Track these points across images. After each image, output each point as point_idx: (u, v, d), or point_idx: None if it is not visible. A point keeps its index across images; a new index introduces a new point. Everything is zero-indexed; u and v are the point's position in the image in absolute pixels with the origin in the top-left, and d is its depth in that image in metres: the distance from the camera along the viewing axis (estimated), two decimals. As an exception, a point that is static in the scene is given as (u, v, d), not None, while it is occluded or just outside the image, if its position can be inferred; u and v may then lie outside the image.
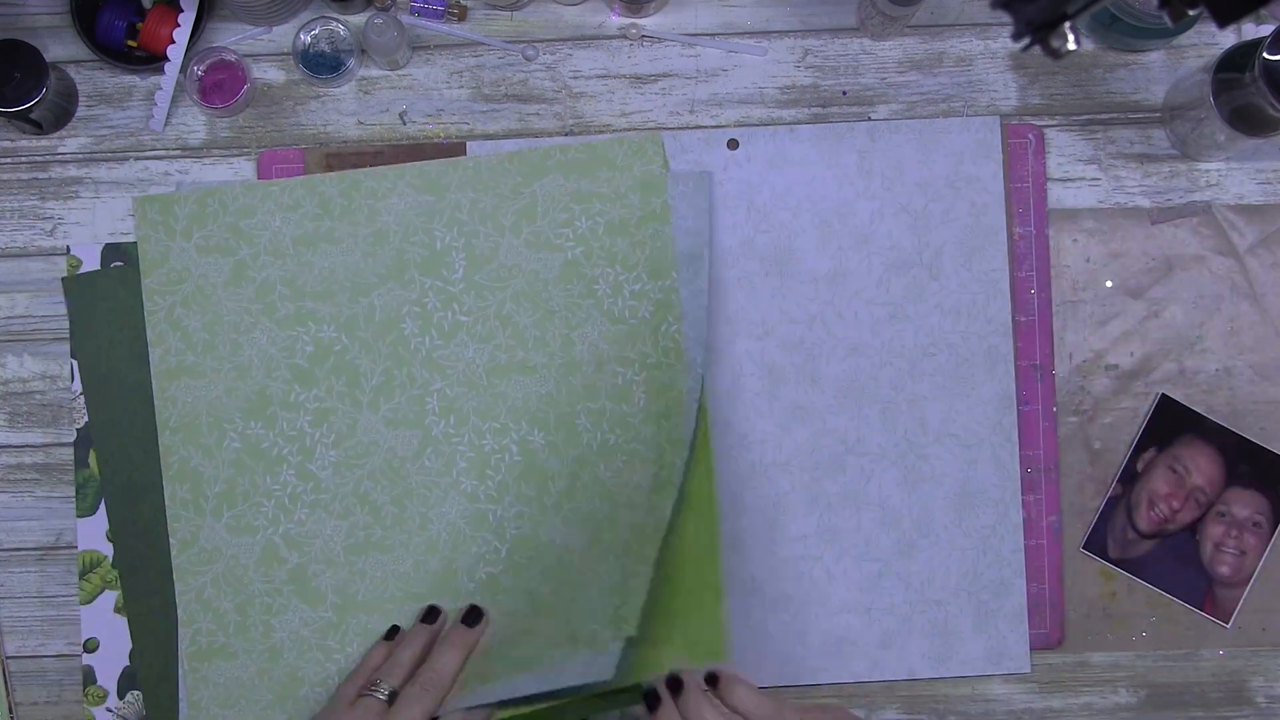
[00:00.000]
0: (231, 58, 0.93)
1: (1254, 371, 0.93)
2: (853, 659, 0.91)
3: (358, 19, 0.95)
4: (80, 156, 0.95)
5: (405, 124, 0.95)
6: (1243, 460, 0.91)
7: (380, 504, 0.90)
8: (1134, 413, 0.93)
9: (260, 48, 0.95)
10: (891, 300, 0.92)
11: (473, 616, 0.86)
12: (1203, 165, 0.94)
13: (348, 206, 0.91)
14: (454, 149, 0.93)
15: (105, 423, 0.92)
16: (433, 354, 0.90)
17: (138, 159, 0.95)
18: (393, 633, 0.87)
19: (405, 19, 0.94)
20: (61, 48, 0.95)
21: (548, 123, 0.94)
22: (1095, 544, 0.92)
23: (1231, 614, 0.91)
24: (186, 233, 0.91)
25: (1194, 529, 0.92)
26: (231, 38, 0.95)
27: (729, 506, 0.91)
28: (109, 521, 0.92)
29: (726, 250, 0.93)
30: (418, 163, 0.91)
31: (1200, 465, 0.92)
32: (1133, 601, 0.92)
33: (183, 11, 0.92)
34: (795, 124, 0.94)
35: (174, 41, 0.92)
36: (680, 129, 0.94)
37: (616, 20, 0.95)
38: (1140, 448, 0.92)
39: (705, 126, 0.94)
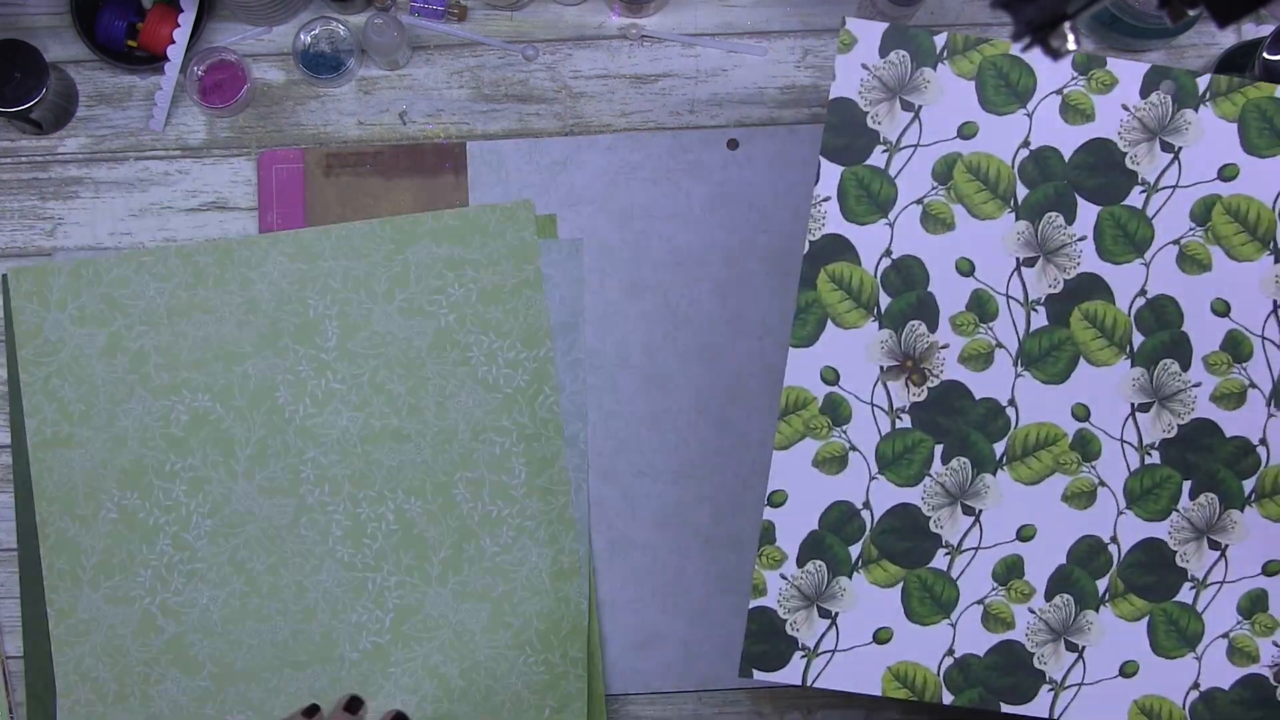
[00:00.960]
0: (231, 58, 0.93)
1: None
2: (853, 659, 0.91)
3: (358, 19, 0.95)
4: (80, 156, 0.95)
5: (405, 124, 0.95)
6: None
7: (256, 572, 0.90)
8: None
9: (260, 48, 0.95)
10: (892, 300, 0.92)
11: (354, 705, 0.87)
12: (1203, 165, 0.94)
13: (220, 275, 0.91)
14: (454, 149, 0.93)
15: (21, 424, 0.91)
16: (306, 422, 0.90)
17: (138, 159, 0.95)
18: None
19: (405, 19, 0.94)
20: (61, 48, 0.95)
21: (548, 123, 0.95)
22: None
23: None
24: (61, 304, 0.91)
25: None
26: (231, 38, 0.95)
27: (730, 506, 0.91)
28: (17, 523, 0.91)
29: (727, 250, 0.93)
30: (292, 231, 0.91)
31: None
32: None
33: (183, 11, 0.92)
34: (795, 124, 0.94)
35: (174, 41, 0.92)
36: (680, 129, 0.94)
37: (616, 20, 0.95)
38: None
39: (705, 126, 0.94)
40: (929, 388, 0.77)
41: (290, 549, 0.90)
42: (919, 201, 0.77)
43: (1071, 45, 0.70)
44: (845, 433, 0.78)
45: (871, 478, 0.78)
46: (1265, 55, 0.82)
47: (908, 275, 0.77)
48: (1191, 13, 0.69)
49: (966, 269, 0.77)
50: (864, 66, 0.76)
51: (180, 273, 0.91)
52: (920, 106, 0.76)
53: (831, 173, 0.77)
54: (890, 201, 0.77)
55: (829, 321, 0.77)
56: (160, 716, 0.89)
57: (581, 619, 0.89)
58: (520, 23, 0.96)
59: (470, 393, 0.90)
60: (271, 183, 0.93)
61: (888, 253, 0.77)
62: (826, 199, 0.77)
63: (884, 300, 0.77)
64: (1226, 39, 0.94)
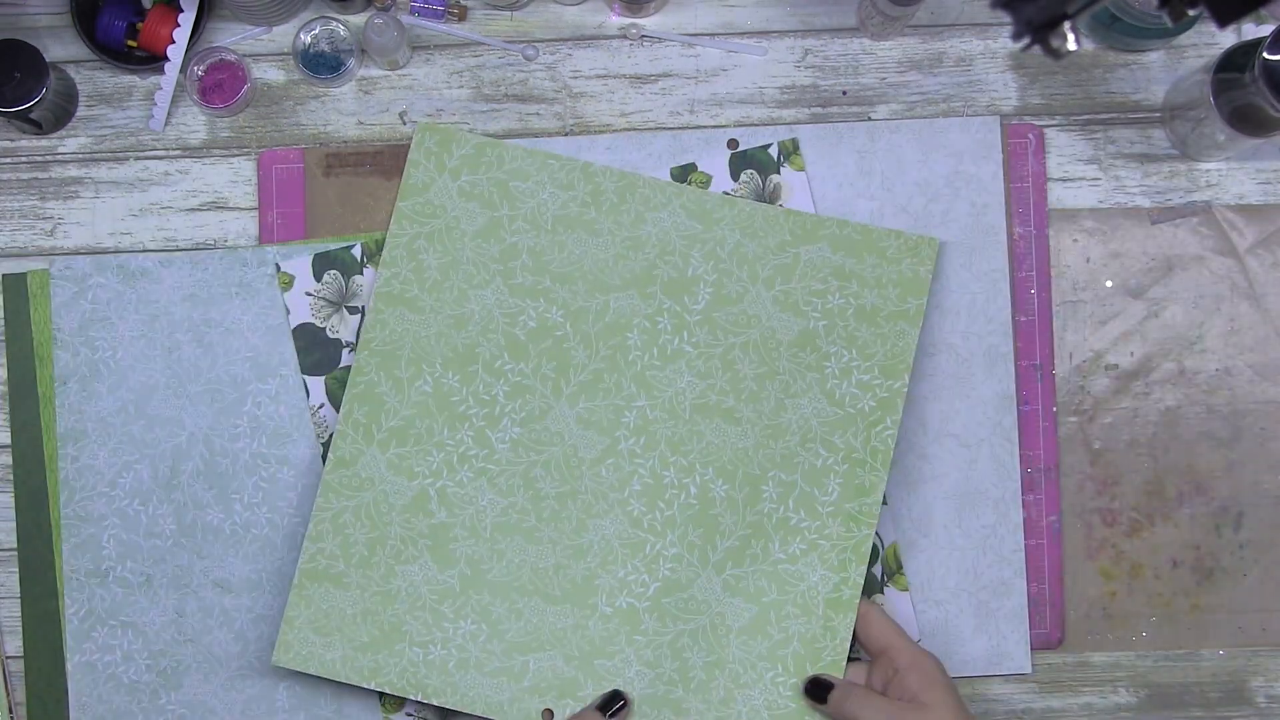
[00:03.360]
0: (231, 58, 0.93)
1: (1254, 371, 0.93)
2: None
3: (358, 19, 0.95)
4: (80, 156, 0.95)
5: (405, 124, 0.95)
6: None
7: (544, 495, 0.88)
8: (1134, 413, 0.93)
9: (260, 48, 0.95)
10: (892, 300, 0.92)
11: (611, 701, 0.85)
12: (1203, 165, 0.94)
13: (618, 205, 0.90)
14: (454, 149, 0.94)
15: (22, 424, 0.92)
16: (646, 372, 0.89)
17: (138, 159, 0.95)
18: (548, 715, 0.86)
19: (405, 19, 0.94)
20: (61, 48, 0.95)
21: (548, 123, 0.95)
22: None
23: None
24: (455, 172, 0.91)
25: None
26: (231, 38, 0.95)
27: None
28: (17, 523, 0.91)
29: (727, 250, 0.93)
30: (698, 189, 0.91)
31: None
32: (1133, 601, 0.92)
33: (183, 11, 0.92)
34: (795, 124, 0.94)
35: (174, 41, 0.92)
36: (680, 129, 0.94)
37: (616, 20, 0.95)
38: None
39: (705, 126, 0.94)
40: None
41: (586, 485, 0.88)
42: None
43: (1071, 45, 0.70)
44: None
45: None
46: (1265, 55, 0.82)
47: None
48: (1191, 13, 0.69)
49: None
50: (307, 294, 0.91)
51: (580, 187, 0.91)
52: (363, 307, 0.89)
53: (316, 385, 0.91)
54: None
55: None
56: (395, 594, 0.87)
57: (842, 657, 0.86)
58: (520, 23, 0.96)
59: (814, 400, 0.88)
60: (271, 183, 0.93)
61: None
62: (320, 406, 0.91)
63: None
64: (1226, 39, 0.94)
